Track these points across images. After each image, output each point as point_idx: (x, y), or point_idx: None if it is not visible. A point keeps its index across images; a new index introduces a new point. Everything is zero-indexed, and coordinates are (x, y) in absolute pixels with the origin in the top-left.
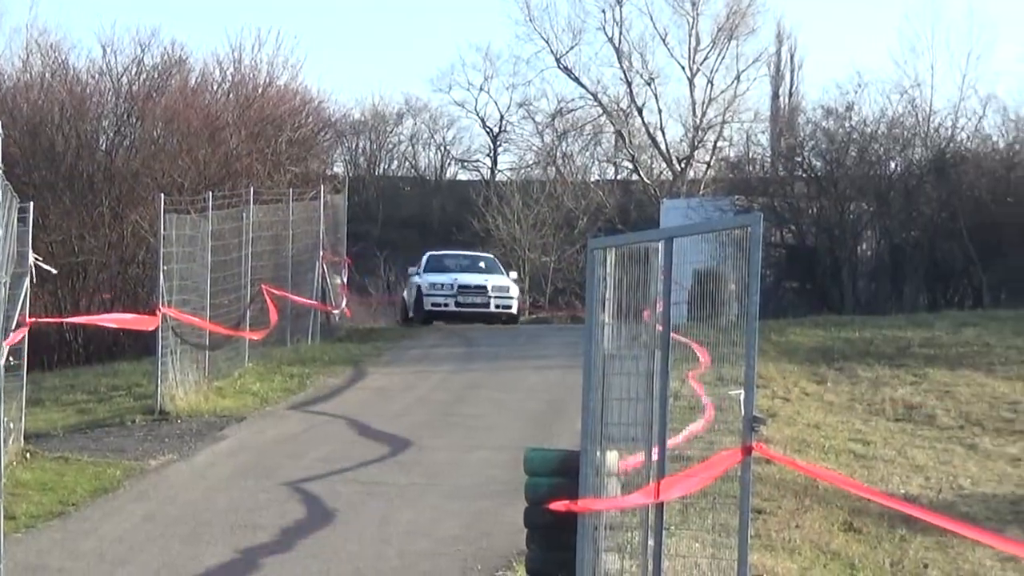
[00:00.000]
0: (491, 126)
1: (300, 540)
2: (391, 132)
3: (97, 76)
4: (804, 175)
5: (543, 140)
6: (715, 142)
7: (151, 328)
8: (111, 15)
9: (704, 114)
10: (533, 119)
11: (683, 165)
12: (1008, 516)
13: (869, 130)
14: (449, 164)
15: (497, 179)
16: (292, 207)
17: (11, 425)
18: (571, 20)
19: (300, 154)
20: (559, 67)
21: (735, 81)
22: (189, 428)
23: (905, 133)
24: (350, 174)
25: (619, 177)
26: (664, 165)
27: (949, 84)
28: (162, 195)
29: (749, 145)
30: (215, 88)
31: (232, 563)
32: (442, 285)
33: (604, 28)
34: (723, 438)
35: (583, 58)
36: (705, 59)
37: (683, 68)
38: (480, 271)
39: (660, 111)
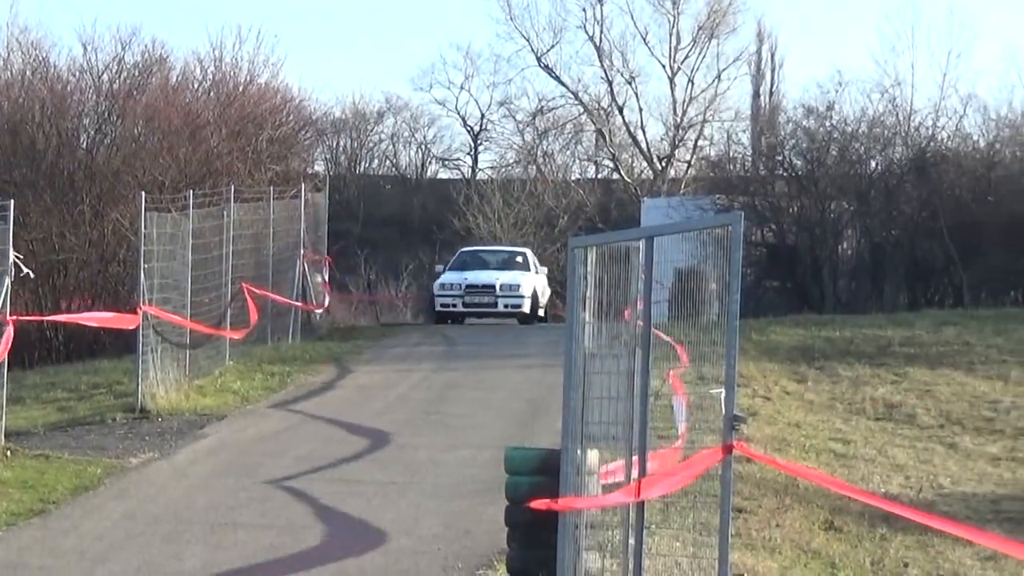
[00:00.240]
0: (472, 125)
1: (280, 539)
2: (372, 131)
3: (78, 74)
4: (785, 174)
5: (524, 139)
6: (696, 141)
7: (132, 327)
8: (92, 13)
9: (685, 113)
10: (514, 118)
11: (664, 164)
12: (988, 515)
13: (850, 129)
14: (430, 163)
15: (478, 178)
16: (273, 206)
17: None
18: (552, 19)
19: (281, 152)
20: (540, 66)
21: (716, 80)
22: (170, 426)
23: (885, 132)
24: (331, 173)
25: (600, 176)
26: (645, 164)
27: (929, 83)
28: (143, 193)
29: (730, 144)
30: (196, 86)
31: (212, 562)
32: (451, 285)
33: (585, 27)
34: (704, 437)
35: (564, 57)
36: (686, 58)
37: (664, 67)
38: (499, 268)
39: (641, 110)
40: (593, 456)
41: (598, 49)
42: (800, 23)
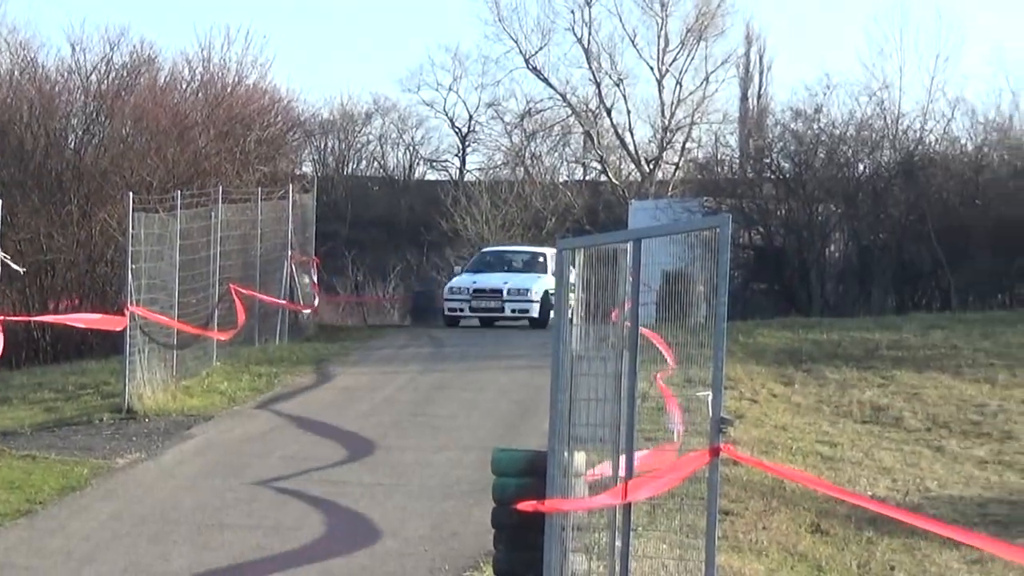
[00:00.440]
0: (460, 126)
1: (267, 540)
2: (360, 132)
3: (66, 74)
4: (773, 177)
5: (512, 140)
6: (684, 143)
7: (119, 329)
8: (80, 13)
9: (673, 115)
10: (502, 119)
11: (652, 166)
12: (975, 518)
13: (838, 132)
14: (418, 164)
15: (466, 179)
16: (261, 206)
17: None
18: (540, 20)
19: (269, 153)
20: (528, 67)
21: (704, 82)
22: (157, 427)
23: (873, 135)
24: (319, 174)
25: (587, 178)
26: (633, 166)
27: (917, 87)
28: (131, 194)
29: (718, 146)
30: (184, 87)
31: (199, 562)
32: (460, 289)
33: (573, 29)
34: (691, 439)
35: (552, 58)
36: (674, 60)
37: (652, 69)
38: (514, 271)
39: (629, 112)
40: (580, 458)
41: (586, 51)
42: (788, 26)
